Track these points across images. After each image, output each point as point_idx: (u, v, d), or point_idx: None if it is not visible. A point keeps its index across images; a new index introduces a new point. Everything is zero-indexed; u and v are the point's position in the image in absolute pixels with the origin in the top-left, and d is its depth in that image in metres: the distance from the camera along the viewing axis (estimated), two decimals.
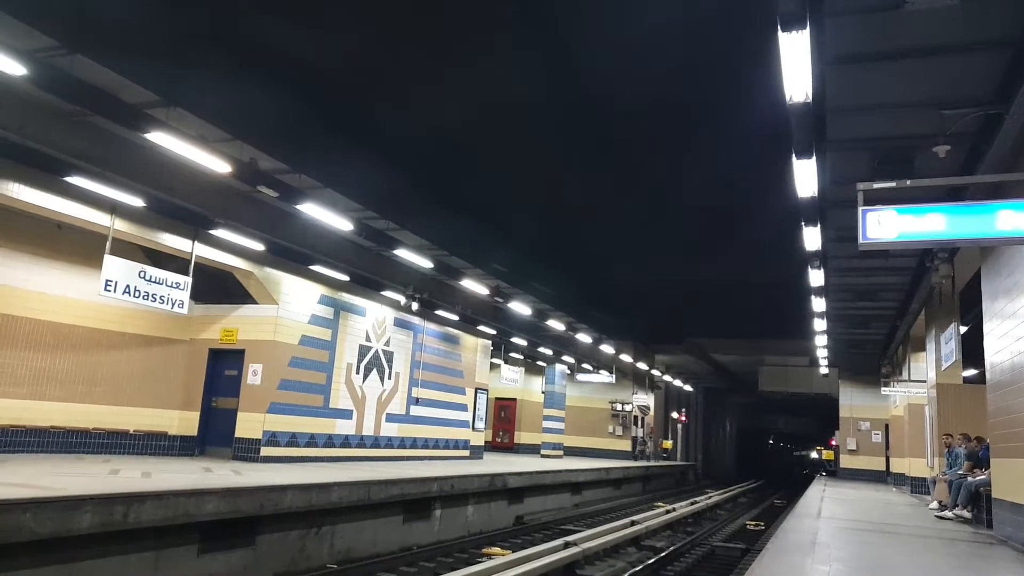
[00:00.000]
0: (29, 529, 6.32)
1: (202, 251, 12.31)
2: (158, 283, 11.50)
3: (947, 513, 12.52)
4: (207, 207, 11.50)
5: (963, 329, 13.83)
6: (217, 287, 14.01)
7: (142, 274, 11.28)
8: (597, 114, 12.52)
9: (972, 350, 13.17)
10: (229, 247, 12.81)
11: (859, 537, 9.51)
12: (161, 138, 8.79)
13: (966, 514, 12.02)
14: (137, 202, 10.54)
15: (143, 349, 13.74)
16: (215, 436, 14.21)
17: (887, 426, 27.19)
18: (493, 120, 12.85)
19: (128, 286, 11.05)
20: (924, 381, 17.16)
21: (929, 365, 16.15)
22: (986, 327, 10.53)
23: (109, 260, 10.80)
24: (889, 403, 25.72)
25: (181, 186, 10.83)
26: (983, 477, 11.44)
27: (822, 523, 10.67)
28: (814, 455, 72.05)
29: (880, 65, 7.38)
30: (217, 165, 9.54)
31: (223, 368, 14.45)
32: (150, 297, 11.37)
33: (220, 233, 12.12)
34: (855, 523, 11.15)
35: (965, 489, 12.09)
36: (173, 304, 11.76)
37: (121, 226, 10.97)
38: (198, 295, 13.33)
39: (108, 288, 10.77)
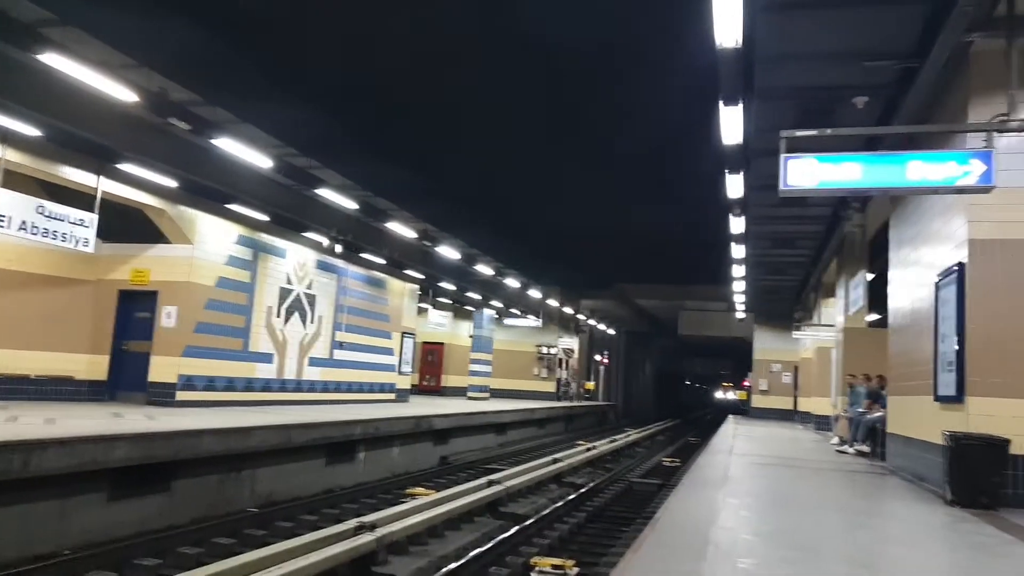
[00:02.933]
0: None
1: (109, 187, 11.65)
2: (59, 219, 10.83)
3: (847, 448, 13.27)
4: (113, 139, 10.81)
5: (870, 276, 14.43)
6: (127, 225, 13.32)
7: (40, 209, 10.58)
8: (528, 59, 12.28)
9: (877, 296, 13.80)
10: (139, 183, 12.15)
11: (767, 472, 9.98)
12: (55, 60, 8.09)
13: (865, 448, 12.75)
14: (32, 131, 9.80)
15: (45, 289, 13.01)
16: (127, 381, 13.72)
17: (796, 368, 28.43)
18: (423, 62, 12.47)
19: (24, 222, 10.35)
20: (833, 325, 17.93)
21: (838, 310, 16.87)
22: (891, 274, 11.03)
23: (1, 193, 10.07)
24: (800, 346, 26.84)
25: (82, 116, 10.07)
26: (880, 414, 12.13)
27: (733, 459, 11.15)
28: (731, 396, 74.87)
29: (808, 13, 7.45)
30: (122, 94, 8.94)
31: (134, 310, 13.87)
32: (50, 234, 10.71)
33: (128, 168, 11.46)
34: (764, 459, 11.69)
35: (864, 425, 12.81)
36: (77, 242, 11.13)
37: (15, 157, 10.21)
38: (106, 233, 12.65)
39: (1, 224, 10.06)
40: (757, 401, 30.70)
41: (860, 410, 13.32)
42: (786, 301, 25.52)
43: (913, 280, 9.55)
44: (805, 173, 6.92)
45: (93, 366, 13.62)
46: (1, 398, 12.07)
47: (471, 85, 13.40)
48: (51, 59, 8.10)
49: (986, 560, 4.96)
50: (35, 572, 6.43)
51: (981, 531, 5.91)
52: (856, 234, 13.03)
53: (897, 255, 10.68)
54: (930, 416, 8.27)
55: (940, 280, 8.11)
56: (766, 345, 30.44)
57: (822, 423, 19.73)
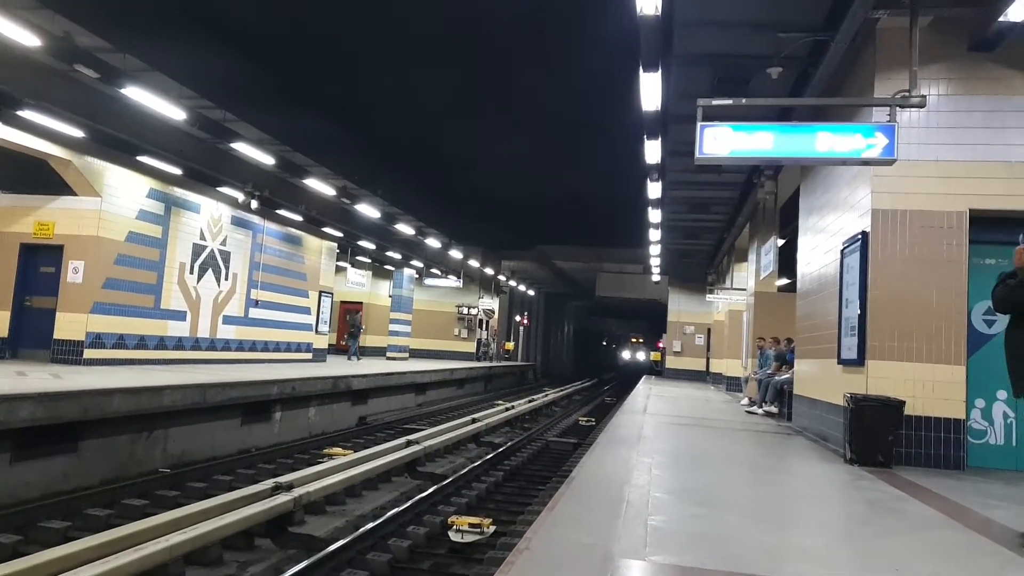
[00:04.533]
0: None
1: (9, 135, 10.98)
2: None
3: (756, 409, 13.89)
4: (12, 84, 10.18)
5: (781, 242, 15.00)
6: (29, 176, 12.61)
7: None
8: (454, 22, 12.12)
9: (787, 262, 14.39)
10: (42, 132, 11.47)
11: (679, 431, 10.38)
12: None
13: (773, 409, 13.38)
14: None
15: None
16: (30, 338, 13.12)
17: (709, 330, 29.41)
18: (349, 12, 12.13)
19: None
20: (744, 289, 18.60)
21: (750, 275, 17.50)
22: (800, 241, 11.50)
23: None
24: (712, 309, 27.75)
25: None
26: (787, 376, 12.73)
27: (647, 419, 11.53)
28: (641, 356, 76.73)
29: None
30: (23, 36, 8.42)
31: (38, 264, 13.23)
32: None
33: (29, 115, 10.79)
34: (676, 419, 12.13)
35: (772, 387, 13.43)
36: None
37: None
38: (6, 184, 11.95)
39: None
40: (671, 362, 31.66)
41: (769, 372, 13.95)
42: (700, 265, 26.27)
43: (821, 247, 9.99)
44: (720, 141, 7.12)
45: None
46: None
47: (397, 42, 13.15)
48: None
49: (878, 514, 5.32)
50: None
51: (876, 487, 6.30)
52: (768, 201, 13.50)
53: (806, 222, 11.14)
54: (833, 379, 8.73)
55: (845, 247, 8.52)
56: (680, 307, 31.31)
57: (733, 384, 20.54)
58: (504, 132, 18.23)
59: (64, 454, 8.60)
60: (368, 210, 19.43)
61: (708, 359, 29.47)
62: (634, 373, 57.89)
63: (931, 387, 7.43)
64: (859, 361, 7.80)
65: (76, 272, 12.84)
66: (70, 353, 12.67)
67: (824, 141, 6.98)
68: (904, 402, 7.24)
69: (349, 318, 26.44)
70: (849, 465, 7.40)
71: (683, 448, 8.69)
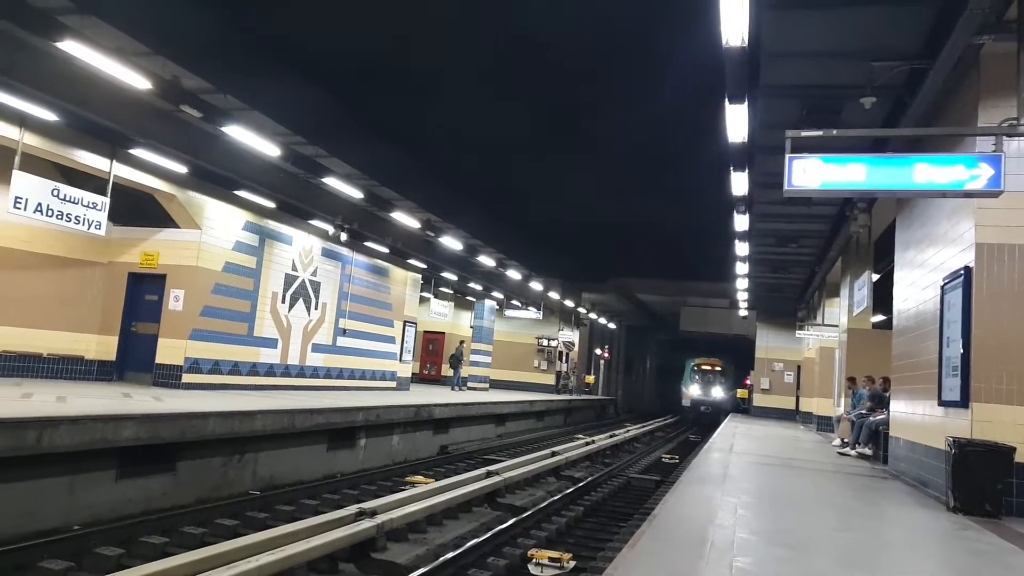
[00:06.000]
0: None
1: (121, 171, 11.76)
2: (73, 202, 10.97)
3: (848, 450, 13.31)
4: (125, 125, 10.90)
5: (875, 277, 14.46)
6: (137, 209, 13.45)
7: (56, 192, 10.72)
8: (530, 49, 12.32)
9: (882, 297, 13.83)
10: (150, 168, 12.26)
11: (767, 471, 10.04)
12: (74, 48, 8.24)
13: (867, 451, 12.79)
14: (49, 116, 9.91)
15: (58, 270, 13.15)
16: (135, 361, 13.87)
17: (799, 367, 28.48)
18: (424, 49, 12.51)
19: (40, 204, 10.50)
20: (836, 325, 17.97)
21: (842, 310, 16.91)
22: (896, 276, 11.05)
23: (18, 176, 10.21)
24: (802, 345, 26.89)
25: (97, 101, 10.18)
26: (883, 417, 12.17)
27: (733, 457, 11.21)
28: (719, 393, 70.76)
29: (816, 12, 7.49)
30: (136, 80, 9.04)
31: (143, 292, 14.01)
32: (65, 217, 10.85)
33: (140, 153, 11.56)
34: (764, 458, 11.75)
35: (866, 428, 12.85)
36: (90, 225, 11.26)
37: (32, 140, 10.34)
38: (117, 217, 12.78)
39: (18, 205, 10.21)
40: (759, 400, 30.78)
41: (863, 412, 13.38)
42: (789, 300, 25.56)
43: (919, 282, 9.58)
44: (810, 173, 6.94)
45: (102, 346, 13.77)
46: (15, 375, 12.25)
47: (476, 76, 13.45)
48: (69, 46, 8.21)
49: (985, 568, 4.98)
50: (48, 545, 6.53)
51: (983, 539, 5.93)
52: (862, 234, 13.05)
53: (903, 256, 10.71)
54: (934, 421, 8.30)
55: (946, 283, 8.14)
56: (769, 343, 30.49)
57: (824, 424, 19.78)
58: (579, 163, 18.29)
59: (163, 473, 8.99)
60: (451, 242, 19.79)
61: (798, 397, 28.51)
62: (719, 411, 55.71)
63: None
64: (962, 403, 7.38)
65: (177, 300, 13.52)
66: (170, 377, 13.30)
67: (922, 172, 6.71)
68: (1015, 448, 6.79)
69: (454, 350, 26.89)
70: (952, 514, 6.98)
71: (771, 488, 8.40)
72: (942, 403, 8.08)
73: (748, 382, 37.23)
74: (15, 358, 12.41)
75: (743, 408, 36.27)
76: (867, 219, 12.43)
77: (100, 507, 8.03)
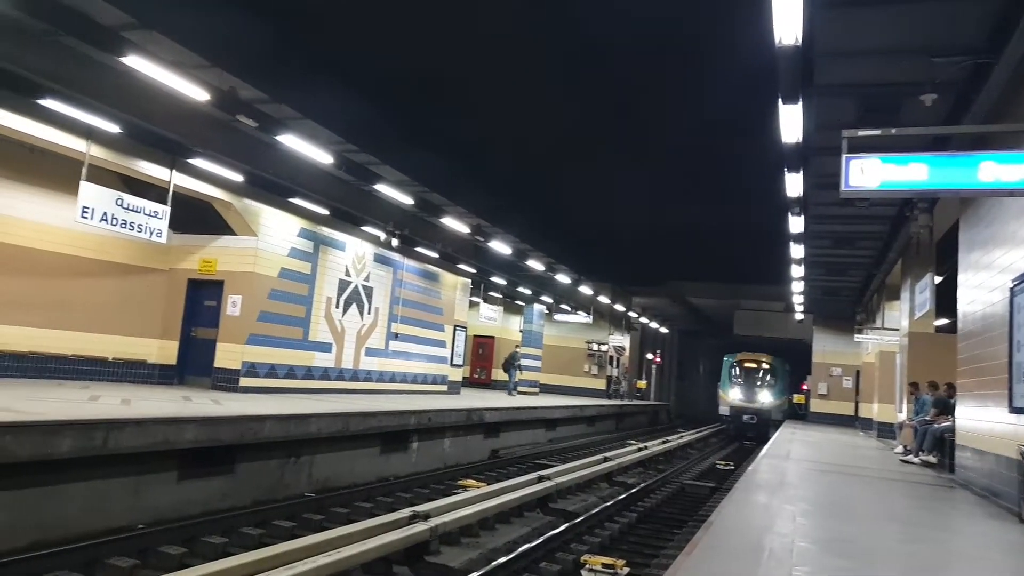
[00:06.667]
0: (9, 451, 6.35)
1: (180, 180, 12.10)
2: (136, 211, 11.34)
3: (912, 457, 12.92)
4: (185, 135, 11.25)
5: (938, 279, 14.01)
6: (196, 217, 13.83)
7: (120, 202, 11.10)
8: (584, 56, 12.33)
9: (945, 300, 13.39)
10: (208, 177, 12.60)
11: (825, 479, 9.81)
12: (136, 62, 8.55)
13: (931, 459, 12.40)
14: (113, 128, 10.27)
15: (121, 277, 13.60)
16: (194, 365, 14.24)
17: (858, 372, 27.77)
18: (480, 60, 12.62)
19: (105, 213, 10.88)
20: (897, 329, 17.48)
21: (903, 313, 16.43)
22: (960, 278, 10.70)
23: (85, 186, 10.60)
24: (861, 350, 26.21)
25: (158, 113, 10.56)
26: (948, 424, 11.78)
27: (790, 464, 10.99)
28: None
29: (871, 9, 7.31)
30: (195, 92, 9.32)
31: (202, 298, 14.38)
32: (128, 225, 11.23)
33: (198, 162, 11.90)
34: (822, 465, 11.48)
35: (931, 435, 12.45)
36: (152, 233, 11.63)
37: (97, 152, 10.73)
38: (177, 224, 13.16)
39: (85, 215, 10.61)
40: (816, 405, 30.10)
41: (927, 419, 12.98)
42: (847, 303, 24.95)
43: (986, 284, 9.25)
44: (868, 174, 6.78)
45: (164, 351, 14.18)
46: (83, 378, 12.72)
47: (526, 82, 13.50)
48: (132, 61, 8.52)
49: None
50: (114, 543, 6.75)
51: None
52: (923, 235, 12.66)
53: (968, 258, 10.37)
54: (1004, 429, 8.00)
55: (1016, 285, 7.84)
56: (826, 348, 29.81)
57: (885, 431, 19.27)
58: (630, 166, 18.19)
59: (222, 475, 9.21)
60: (500, 247, 19.84)
61: (857, 403, 27.79)
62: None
63: None
64: None
65: (235, 306, 13.85)
66: (228, 381, 13.61)
67: (988, 171, 6.50)
68: None
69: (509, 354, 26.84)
70: None
71: (830, 497, 8.21)
72: (1014, 410, 7.77)
73: (805, 387, 36.16)
74: (82, 362, 12.88)
75: (800, 414, 35.38)
76: (928, 219, 12.06)
77: (163, 507, 8.27)
